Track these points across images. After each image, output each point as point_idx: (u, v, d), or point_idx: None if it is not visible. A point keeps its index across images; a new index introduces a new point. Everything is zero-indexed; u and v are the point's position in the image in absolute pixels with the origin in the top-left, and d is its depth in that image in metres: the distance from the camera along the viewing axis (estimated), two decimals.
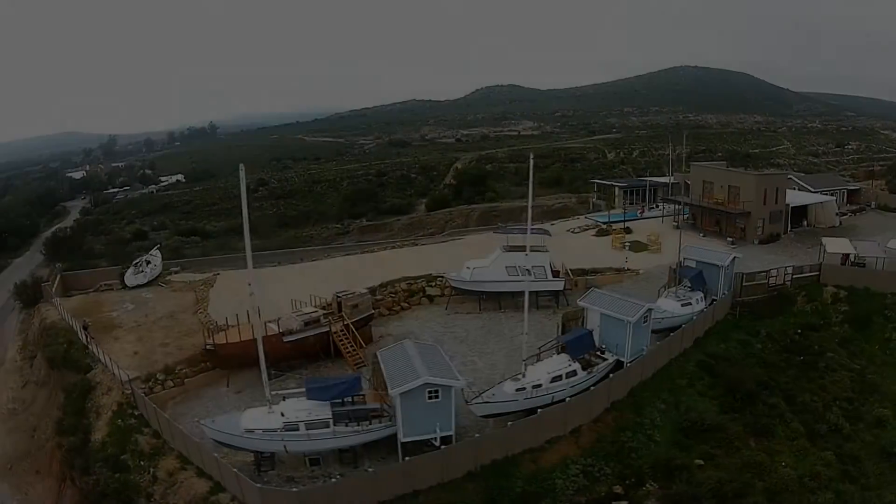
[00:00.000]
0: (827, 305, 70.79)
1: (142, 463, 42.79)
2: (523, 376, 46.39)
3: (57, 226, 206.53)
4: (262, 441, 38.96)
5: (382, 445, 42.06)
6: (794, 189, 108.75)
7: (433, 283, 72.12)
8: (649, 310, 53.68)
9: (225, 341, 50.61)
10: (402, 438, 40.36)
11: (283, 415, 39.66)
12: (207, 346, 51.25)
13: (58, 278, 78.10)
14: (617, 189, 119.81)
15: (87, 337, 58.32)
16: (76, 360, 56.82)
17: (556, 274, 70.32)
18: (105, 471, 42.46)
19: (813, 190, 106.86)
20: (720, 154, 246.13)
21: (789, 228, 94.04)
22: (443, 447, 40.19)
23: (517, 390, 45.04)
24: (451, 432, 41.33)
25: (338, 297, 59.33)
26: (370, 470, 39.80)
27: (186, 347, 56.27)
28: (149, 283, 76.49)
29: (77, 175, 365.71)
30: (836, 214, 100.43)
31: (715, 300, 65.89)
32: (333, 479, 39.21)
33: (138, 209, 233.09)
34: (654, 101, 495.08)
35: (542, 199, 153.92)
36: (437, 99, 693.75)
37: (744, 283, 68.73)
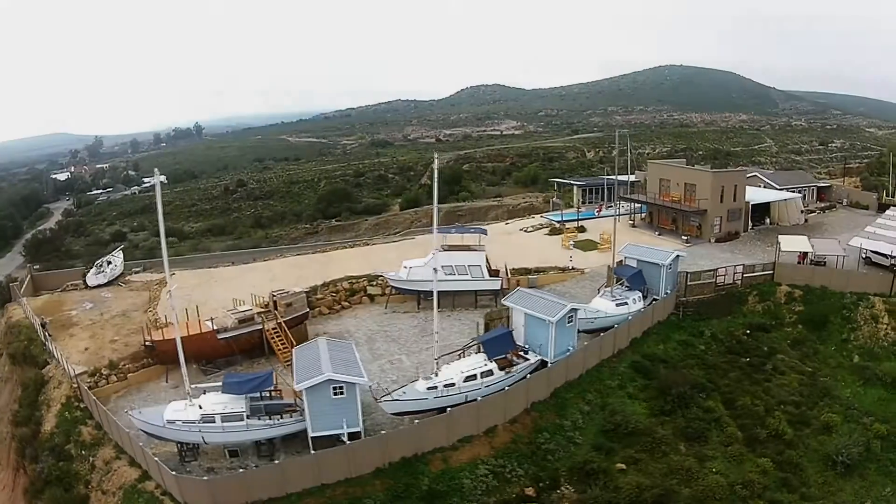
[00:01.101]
0: (780, 305, 68.12)
1: (83, 452, 44.90)
2: (436, 375, 45.67)
3: (39, 227, 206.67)
4: (182, 432, 40.05)
5: (301, 440, 41.86)
6: (760, 186, 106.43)
7: (374, 283, 71.12)
8: (573, 310, 51.74)
9: (162, 338, 51.83)
10: (311, 433, 40.54)
11: (201, 407, 40.56)
12: (146, 343, 52.61)
13: (28, 279, 79.56)
14: (575, 188, 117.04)
15: (45, 334, 60.28)
16: (35, 356, 58.81)
17: (494, 273, 68.59)
18: (50, 459, 44.92)
19: (778, 187, 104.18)
20: (701, 152, 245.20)
21: (750, 226, 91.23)
22: (349, 442, 40.26)
23: (428, 389, 44.55)
24: (359, 428, 41.30)
25: (273, 296, 59.43)
26: (276, 462, 39.91)
27: (133, 344, 57.16)
28: (109, 283, 77.85)
29: (62, 176, 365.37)
30: (802, 212, 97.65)
31: (656, 300, 63.37)
32: (241, 470, 39.77)
33: (119, 210, 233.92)
34: (638, 101, 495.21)
35: (509, 199, 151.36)
36: (422, 99, 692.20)
37: (688, 283, 66.02)
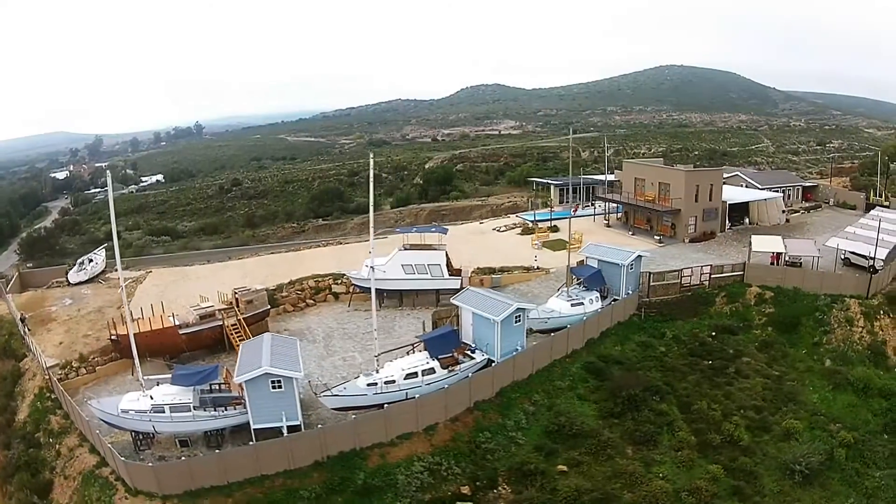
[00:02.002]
0: (749, 307, 66.34)
1: (51, 440, 47.14)
2: (377, 372, 46.07)
3: (36, 226, 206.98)
4: (134, 421, 41.50)
5: (249, 432, 42.44)
6: (741, 186, 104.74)
7: (339, 281, 71.23)
8: (519, 309, 50.89)
9: (126, 333, 51.54)
10: (253, 425, 41.55)
11: (152, 398, 41.86)
12: (112, 337, 53.99)
13: (16, 276, 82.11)
14: (552, 187, 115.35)
15: (24, 329, 61.98)
16: (14, 349, 61.50)
17: (456, 272, 68.27)
18: (21, 446, 47.56)
19: (759, 187, 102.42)
20: (697, 152, 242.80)
21: (728, 226, 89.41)
22: (286, 435, 41.00)
23: (368, 385, 45.02)
24: (298, 422, 42.07)
25: (235, 293, 60.34)
26: (217, 451, 40.96)
27: (103, 339, 58.00)
28: (90, 280, 79.03)
29: (60, 175, 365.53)
30: (784, 212, 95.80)
31: (616, 300, 61.83)
32: (183, 458, 40.65)
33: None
34: (638, 101, 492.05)
35: (494, 199, 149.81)
36: (422, 98, 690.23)
37: (651, 283, 64.23)
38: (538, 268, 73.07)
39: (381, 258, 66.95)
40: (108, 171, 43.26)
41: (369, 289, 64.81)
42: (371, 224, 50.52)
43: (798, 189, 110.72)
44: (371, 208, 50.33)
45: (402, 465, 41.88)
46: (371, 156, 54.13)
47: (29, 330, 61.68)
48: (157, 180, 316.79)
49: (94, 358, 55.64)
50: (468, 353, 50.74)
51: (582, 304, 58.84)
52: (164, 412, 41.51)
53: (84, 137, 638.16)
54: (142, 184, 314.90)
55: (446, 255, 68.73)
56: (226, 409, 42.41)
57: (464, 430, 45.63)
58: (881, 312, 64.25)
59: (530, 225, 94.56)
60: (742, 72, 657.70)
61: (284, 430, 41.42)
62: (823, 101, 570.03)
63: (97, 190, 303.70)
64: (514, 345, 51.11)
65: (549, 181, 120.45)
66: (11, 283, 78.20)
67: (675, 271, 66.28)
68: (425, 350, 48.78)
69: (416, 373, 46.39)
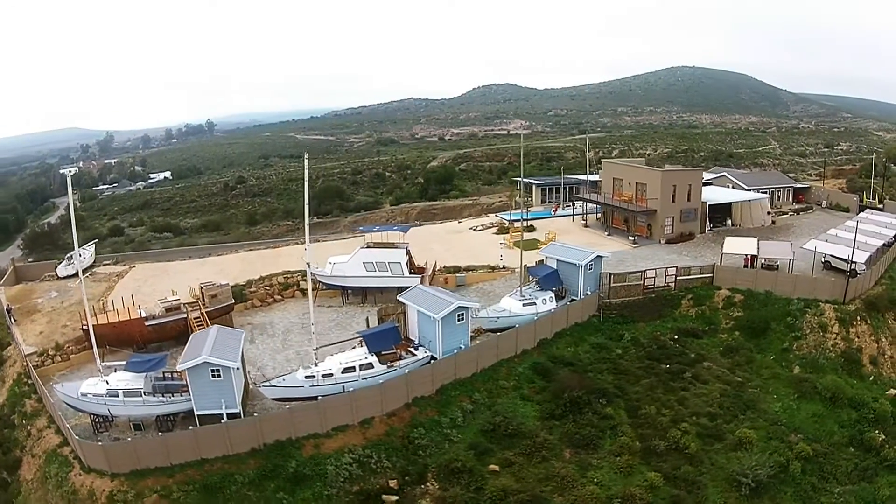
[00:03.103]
0: (717, 310, 64.40)
1: (24, 422, 49.89)
2: (316, 365, 46.95)
3: (42, 221, 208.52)
4: (92, 404, 43.52)
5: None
6: (728, 186, 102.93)
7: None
8: (461, 308, 50.54)
9: (97, 323, 54.15)
10: (196, 411, 43.14)
11: (107, 383, 43.79)
12: (83, 328, 55.27)
13: (11, 269, 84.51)
14: (534, 187, 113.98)
15: (10, 319, 64.98)
16: (0, 338, 65.29)
17: (419, 270, 68.13)
18: None
19: (746, 188, 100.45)
20: (702, 153, 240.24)
21: (709, 227, 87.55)
22: (225, 421, 42.16)
23: (306, 377, 45.95)
24: (237, 410, 43.23)
25: (201, 288, 61.70)
26: (160, 434, 42.63)
27: (80, 329, 59.12)
28: (76, 275, 79.58)
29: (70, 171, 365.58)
30: (769, 213, 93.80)
31: (574, 300, 60.43)
32: (129, 439, 42.27)
33: (121, 206, 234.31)
34: (649, 101, 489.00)
35: (486, 198, 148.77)
36: (434, 97, 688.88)
37: (612, 284, 62.58)
38: (504, 267, 71.98)
39: (343, 256, 68.98)
40: (68, 173, 48.44)
41: (332, 285, 67.94)
42: (306, 228, 51.99)
43: (788, 191, 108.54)
44: (305, 213, 51.30)
45: (333, 456, 42.35)
46: (305, 156, 54.20)
47: (15, 320, 64.53)
48: (164, 177, 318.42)
49: (68, 346, 57.90)
50: (411, 349, 50.98)
51: (534, 304, 57.77)
52: (118, 396, 43.47)
53: (96, 134, 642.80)
54: (150, 180, 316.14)
55: (408, 253, 68.70)
56: (173, 396, 44.11)
57: (399, 425, 45.77)
58: (858, 318, 61.95)
59: (506, 224, 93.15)
60: (754, 73, 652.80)
61: (224, 417, 42.59)
62: (835, 104, 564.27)
63: (105, 186, 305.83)
64: (456, 343, 51.01)
65: (532, 181, 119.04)
66: (6, 276, 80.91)
67: (637, 272, 64.55)
68: (365, 345, 49.06)
69: (353, 367, 46.95)
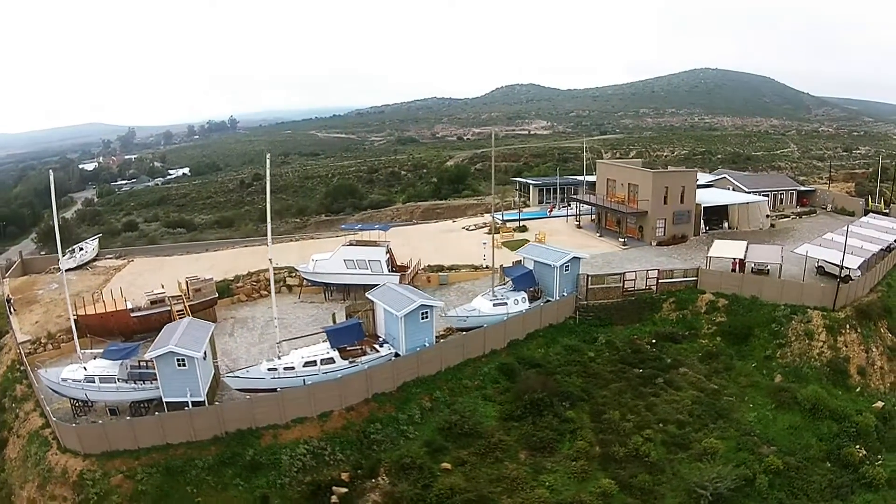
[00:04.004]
0: (699, 315, 62.97)
1: (13, 405, 51.77)
2: (279, 358, 48.13)
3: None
4: (71, 389, 45.61)
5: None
6: (728, 189, 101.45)
7: (293, 274, 72.54)
8: (425, 306, 50.82)
9: (84, 313, 57.47)
10: (164, 398, 44.62)
11: (85, 369, 45.73)
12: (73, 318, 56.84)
13: (19, 262, 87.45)
14: (531, 187, 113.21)
15: (10, 308, 67.55)
16: (0, 327, 67.47)
17: (401, 269, 68.27)
18: None
19: (746, 190, 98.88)
20: (720, 156, 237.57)
21: (704, 230, 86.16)
22: (187, 409, 43.83)
23: (269, 370, 47.10)
24: (201, 398, 44.47)
25: (186, 281, 63.53)
26: (128, 419, 43.83)
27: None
28: (78, 267, 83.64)
29: (89, 166, 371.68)
30: (768, 216, 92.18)
31: (549, 301, 59.77)
32: (100, 422, 43.95)
33: (137, 201, 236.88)
34: (671, 103, 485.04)
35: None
36: (457, 97, 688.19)
37: (590, 286, 61.70)
38: (487, 267, 71.31)
39: (325, 253, 69.78)
40: (50, 172, 52.41)
41: (315, 282, 68.76)
42: (269, 229, 54.13)
43: (792, 193, 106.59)
44: (268, 214, 53.50)
45: (289, 447, 43.30)
46: (267, 156, 56.04)
47: (14, 310, 67.18)
48: (183, 173, 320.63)
49: (59, 335, 59.80)
50: (376, 346, 51.60)
51: (505, 304, 57.43)
52: (94, 382, 45.48)
53: (119, 129, 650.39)
54: (168, 176, 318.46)
55: (389, 251, 69.03)
56: (145, 383, 45.78)
57: (357, 420, 46.38)
58: (847, 327, 59.66)
59: (498, 224, 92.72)
60: (776, 76, 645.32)
61: (189, 405, 44.10)
62: (858, 108, 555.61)
63: (124, 182, 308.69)
64: (420, 341, 51.32)
65: (529, 181, 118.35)
66: (13, 267, 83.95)
67: (616, 274, 63.60)
68: (327, 341, 49.86)
69: (314, 361, 47.88)
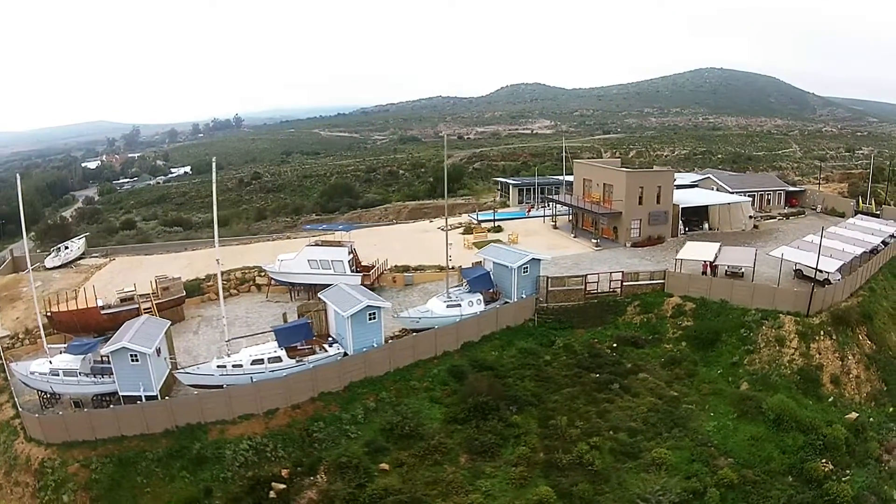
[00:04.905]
0: (664, 319, 61.30)
1: None
2: (228, 356, 49.16)
3: (60, 214, 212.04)
4: (38, 381, 47.80)
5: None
6: (712, 189, 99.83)
7: (262, 273, 73.15)
8: (371, 307, 51.11)
9: (57, 310, 59.99)
10: (120, 392, 46.46)
11: (51, 363, 47.73)
12: (47, 314, 59.98)
13: (9, 259, 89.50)
14: (511, 187, 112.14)
15: None
16: None
17: (366, 269, 68.41)
18: None
19: (730, 190, 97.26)
20: (720, 156, 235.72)
21: (683, 231, 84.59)
22: (139, 402, 45.45)
23: (218, 367, 48.19)
24: (154, 393, 46.11)
25: (155, 280, 65.20)
26: (86, 411, 46.01)
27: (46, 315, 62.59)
28: (63, 266, 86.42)
29: (92, 165, 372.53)
30: (751, 217, 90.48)
31: (507, 302, 58.79)
32: (61, 413, 46.10)
33: (137, 199, 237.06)
34: (675, 103, 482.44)
35: (483, 197, 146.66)
36: (462, 96, 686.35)
37: (550, 288, 60.32)
38: (453, 267, 70.30)
39: (291, 253, 70.42)
40: (17, 176, 56.49)
41: (281, 281, 69.43)
42: (215, 232, 54.30)
43: (780, 194, 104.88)
44: (215, 217, 54.48)
45: (233, 442, 44.32)
46: (213, 161, 57.27)
47: None
48: (184, 172, 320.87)
49: (36, 331, 60.36)
50: (325, 345, 52.04)
51: (459, 305, 56.77)
52: (58, 375, 47.60)
53: (124, 127, 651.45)
54: (170, 175, 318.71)
55: (353, 251, 69.02)
56: (104, 377, 47.63)
57: (302, 418, 46.98)
58: (822, 333, 57.05)
59: (473, 224, 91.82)
60: (782, 76, 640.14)
61: (143, 398, 45.73)
62: (863, 108, 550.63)
63: (126, 180, 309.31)
64: (368, 341, 51.59)
65: (509, 181, 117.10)
66: (4, 265, 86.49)
67: (577, 276, 62.17)
68: (275, 339, 50.70)
69: (262, 360, 48.79)
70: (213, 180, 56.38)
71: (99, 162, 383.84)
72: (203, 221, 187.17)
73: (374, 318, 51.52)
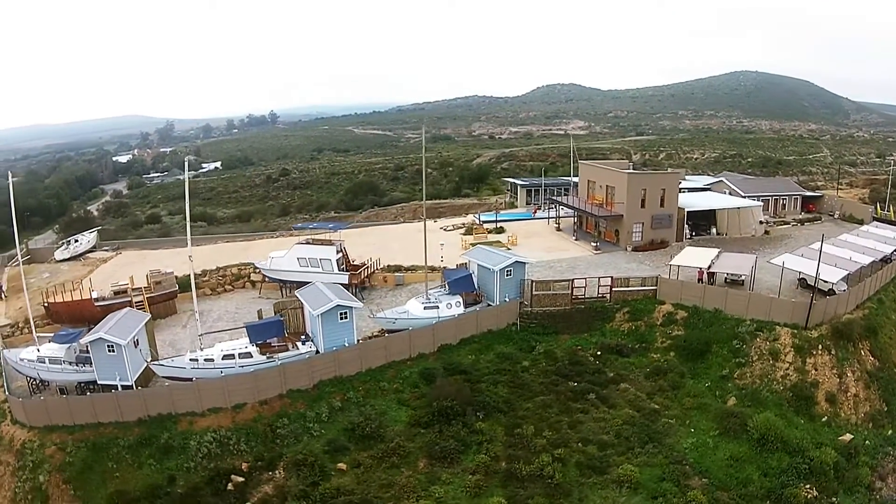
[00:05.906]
0: (654, 326, 59.44)
1: None
2: (201, 350, 50.29)
3: (88, 207, 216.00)
4: (26, 368, 50.45)
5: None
6: (724, 193, 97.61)
7: (257, 270, 73.80)
8: (342, 306, 51.39)
9: (53, 301, 62.93)
10: (98, 381, 48.38)
11: (38, 352, 50.23)
12: (44, 305, 63.11)
13: (24, 251, 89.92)
14: (519, 188, 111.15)
15: (1, 294, 75.10)
16: None
17: (355, 268, 68.96)
18: None
19: (743, 194, 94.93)
20: (750, 159, 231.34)
21: (689, 236, 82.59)
22: (114, 391, 47.33)
23: (190, 360, 49.52)
24: (129, 382, 47.80)
25: (148, 274, 67.41)
26: (65, 396, 48.56)
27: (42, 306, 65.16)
28: (72, 258, 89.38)
29: (123, 159, 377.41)
30: (762, 222, 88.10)
31: (490, 305, 58.02)
32: (42, 398, 48.02)
33: (165, 194, 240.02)
34: (710, 105, 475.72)
35: (497, 197, 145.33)
36: (497, 95, 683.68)
37: (535, 292, 59.09)
38: (445, 268, 69.93)
39: (281, 251, 70.97)
40: (9, 173, 56.41)
41: (272, 278, 70.27)
42: (188, 231, 57.68)
43: (796, 199, 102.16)
44: (187, 216, 57.22)
45: (199, 433, 45.45)
46: (186, 161, 57.00)
47: (5, 296, 74.47)
48: (215, 167, 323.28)
49: (35, 320, 61.80)
50: (298, 343, 52.47)
51: (437, 307, 56.33)
52: (44, 363, 50.02)
53: (158, 122, 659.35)
54: (200, 170, 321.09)
55: (342, 250, 69.27)
56: (86, 366, 49.35)
57: (268, 414, 47.61)
58: (819, 347, 53.95)
59: (475, 225, 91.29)
60: (816, 80, 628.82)
61: (119, 388, 47.64)
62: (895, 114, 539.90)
63: (155, 174, 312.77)
64: (340, 340, 51.89)
65: (518, 181, 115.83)
66: (15, 258, 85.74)
67: (563, 281, 60.83)
68: (247, 336, 51.60)
69: (233, 355, 49.89)
70: (186, 178, 58.98)
71: (131, 156, 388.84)
72: (228, 216, 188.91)
73: (346, 317, 51.66)
